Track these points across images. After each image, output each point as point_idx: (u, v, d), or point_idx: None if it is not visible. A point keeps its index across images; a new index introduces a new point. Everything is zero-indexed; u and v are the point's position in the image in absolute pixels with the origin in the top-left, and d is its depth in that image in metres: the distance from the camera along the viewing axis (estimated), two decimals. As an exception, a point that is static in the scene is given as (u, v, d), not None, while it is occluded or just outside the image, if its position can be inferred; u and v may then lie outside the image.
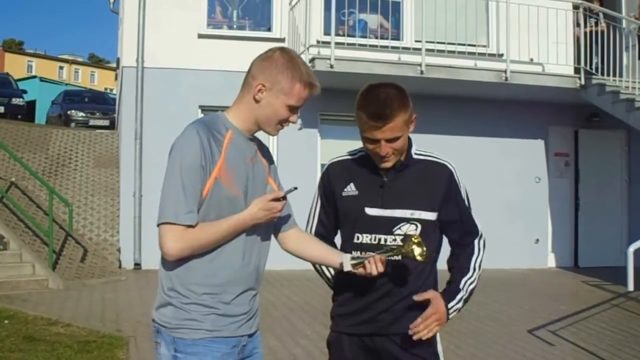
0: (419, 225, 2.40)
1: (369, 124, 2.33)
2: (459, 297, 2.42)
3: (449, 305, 2.39)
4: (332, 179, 2.54)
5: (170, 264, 2.19)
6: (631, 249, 5.80)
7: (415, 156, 2.49)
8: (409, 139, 2.49)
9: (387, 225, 2.41)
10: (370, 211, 2.43)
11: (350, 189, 2.48)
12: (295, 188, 2.28)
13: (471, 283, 2.46)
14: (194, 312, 2.16)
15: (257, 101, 2.24)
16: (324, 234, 2.57)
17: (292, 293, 8.52)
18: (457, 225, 2.48)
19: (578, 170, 12.11)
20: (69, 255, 9.62)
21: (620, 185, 12.29)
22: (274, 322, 6.86)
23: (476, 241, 2.49)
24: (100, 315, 7.17)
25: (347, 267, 2.34)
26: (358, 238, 2.44)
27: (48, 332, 6.27)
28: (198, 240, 2.14)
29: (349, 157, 2.58)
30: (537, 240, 11.86)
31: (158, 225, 2.15)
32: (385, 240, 2.39)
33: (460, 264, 2.48)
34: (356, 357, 2.47)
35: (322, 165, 11.07)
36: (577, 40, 10.80)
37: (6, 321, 6.61)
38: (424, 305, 2.45)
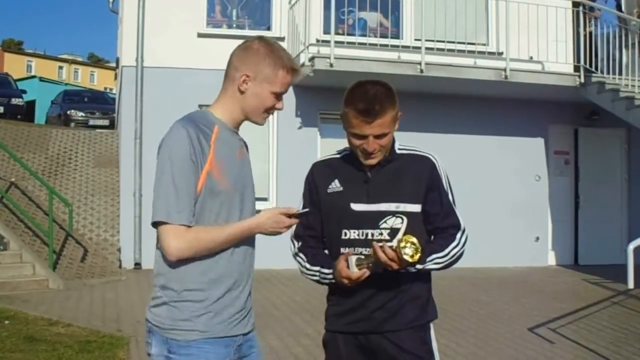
0: (405, 218, 2.40)
1: (359, 119, 2.33)
2: (417, 267, 2.36)
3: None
4: (316, 178, 2.55)
5: (164, 262, 2.18)
6: (631, 246, 5.79)
7: (398, 151, 2.50)
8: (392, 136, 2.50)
9: (373, 220, 2.41)
10: (356, 206, 2.43)
11: (335, 186, 2.49)
12: (308, 211, 2.33)
13: (436, 263, 2.40)
14: (187, 312, 2.16)
15: (242, 92, 2.24)
16: (304, 235, 2.54)
17: (293, 292, 8.51)
18: (439, 217, 2.45)
19: (578, 169, 12.11)
20: (69, 255, 9.61)
21: (620, 183, 12.29)
22: (275, 321, 6.86)
23: (458, 234, 2.45)
24: (100, 315, 7.17)
25: (354, 269, 2.33)
26: (345, 234, 2.44)
27: (49, 332, 6.27)
28: (200, 242, 2.13)
29: (333, 156, 2.59)
30: (537, 239, 11.86)
31: (153, 225, 2.15)
32: (372, 235, 2.39)
33: (434, 243, 2.44)
34: (352, 356, 2.46)
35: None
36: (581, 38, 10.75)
37: (7, 321, 6.61)
38: (418, 302, 2.46)
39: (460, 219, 2.48)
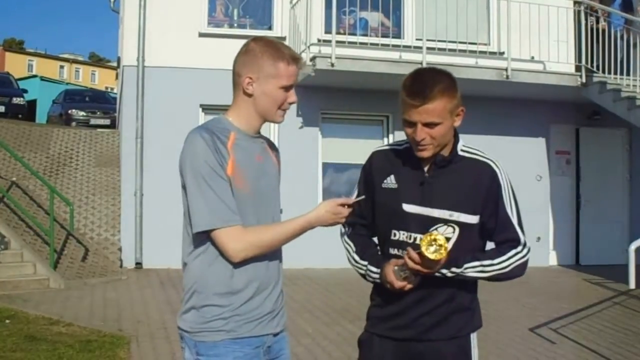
0: (457, 228, 2.26)
1: (408, 102, 2.21)
2: (454, 270, 2.24)
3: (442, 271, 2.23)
4: (374, 168, 2.42)
5: (193, 267, 2.20)
6: (632, 246, 5.78)
7: (460, 153, 2.37)
8: (456, 134, 2.38)
9: (424, 225, 2.26)
10: (408, 207, 2.29)
11: (390, 182, 2.35)
12: (364, 197, 2.29)
13: (481, 271, 2.27)
14: (215, 315, 2.17)
15: (250, 95, 2.24)
16: (356, 223, 2.42)
17: (294, 292, 8.51)
18: (495, 231, 2.32)
19: (579, 168, 12.10)
20: (70, 255, 9.61)
21: (621, 183, 12.28)
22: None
23: (518, 247, 2.32)
24: (101, 315, 7.17)
25: (398, 278, 2.26)
26: (395, 235, 2.32)
27: (49, 331, 6.27)
28: (262, 241, 2.17)
29: (394, 147, 2.45)
30: (539, 239, 11.83)
31: (205, 232, 2.13)
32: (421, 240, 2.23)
33: (486, 252, 2.31)
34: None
35: (324, 164, 11.07)
36: (580, 36, 10.73)
37: (7, 321, 6.61)
38: (464, 313, 2.34)
39: (520, 234, 2.34)
